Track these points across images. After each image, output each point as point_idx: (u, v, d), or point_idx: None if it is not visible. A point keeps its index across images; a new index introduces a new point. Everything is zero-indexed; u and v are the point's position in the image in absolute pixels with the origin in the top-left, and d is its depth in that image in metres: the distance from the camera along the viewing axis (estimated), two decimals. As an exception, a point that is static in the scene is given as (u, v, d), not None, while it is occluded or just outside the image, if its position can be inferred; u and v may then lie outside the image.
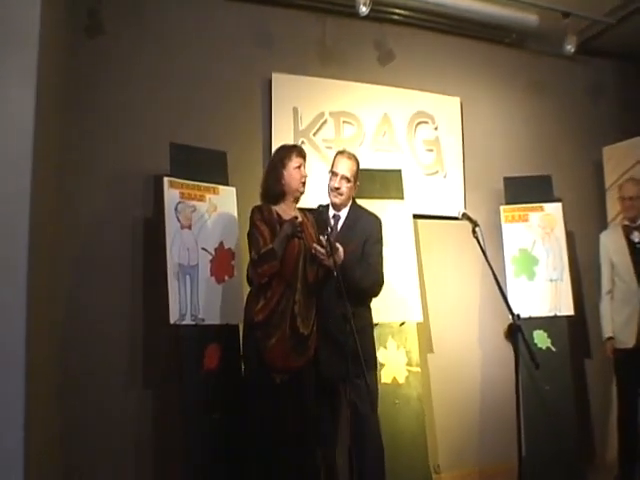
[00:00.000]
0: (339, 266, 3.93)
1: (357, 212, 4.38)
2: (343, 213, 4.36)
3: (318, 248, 4.03)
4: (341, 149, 4.52)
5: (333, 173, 4.33)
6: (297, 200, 4.31)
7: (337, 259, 3.97)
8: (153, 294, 4.83)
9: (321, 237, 4.04)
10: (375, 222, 4.36)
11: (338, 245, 4.06)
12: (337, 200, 4.30)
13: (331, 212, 4.38)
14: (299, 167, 4.21)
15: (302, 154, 4.25)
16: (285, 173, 4.18)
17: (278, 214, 4.16)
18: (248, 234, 4.15)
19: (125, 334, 4.83)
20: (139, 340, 4.85)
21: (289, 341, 4.00)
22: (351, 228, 4.31)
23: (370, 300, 4.34)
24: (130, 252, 4.92)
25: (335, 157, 4.41)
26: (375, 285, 4.26)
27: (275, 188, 4.18)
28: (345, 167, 4.33)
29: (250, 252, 4.09)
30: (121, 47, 5.11)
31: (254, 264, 4.04)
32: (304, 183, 4.23)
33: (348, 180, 4.30)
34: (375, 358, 4.36)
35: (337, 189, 4.30)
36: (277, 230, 4.08)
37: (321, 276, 4.16)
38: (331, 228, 4.12)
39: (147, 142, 5.03)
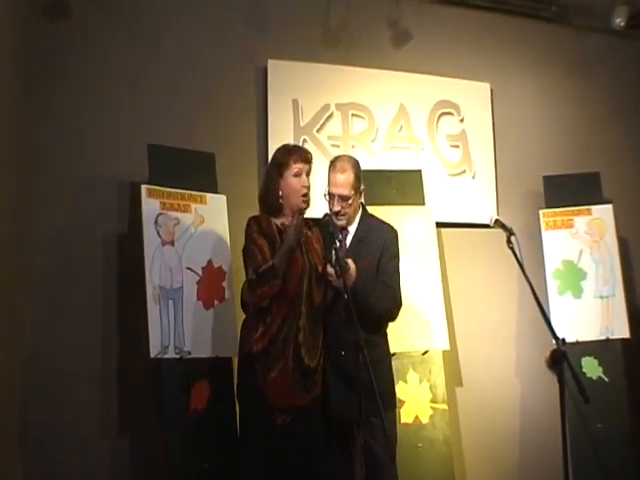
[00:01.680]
0: (350, 288, 3.91)
1: (368, 223, 4.33)
2: (352, 226, 4.32)
3: (328, 268, 4.02)
4: (332, 158, 4.43)
5: (330, 195, 4.28)
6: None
7: (348, 279, 3.94)
8: (129, 323, 4.80)
9: (332, 251, 4.01)
10: (390, 233, 4.32)
11: (349, 261, 4.02)
12: (341, 223, 4.26)
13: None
14: (299, 175, 4.12)
15: (304, 158, 4.14)
16: (282, 183, 4.12)
17: (278, 227, 4.12)
18: (243, 250, 4.10)
19: (97, 371, 4.80)
20: (113, 378, 4.82)
21: (292, 375, 3.96)
22: (362, 242, 4.26)
23: (386, 326, 4.31)
24: (102, 274, 4.89)
25: (328, 173, 4.32)
26: (393, 308, 4.22)
27: (272, 200, 4.14)
28: (339, 184, 4.22)
29: (246, 271, 4.03)
30: (90, 33, 5.09)
31: (252, 285, 3.98)
32: (305, 195, 4.11)
33: (347, 198, 4.24)
34: (394, 395, 4.32)
35: (337, 213, 4.27)
36: (278, 245, 4.03)
37: (330, 298, 4.13)
38: (339, 241, 4.08)
39: (121, 144, 5.02)
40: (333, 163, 4.30)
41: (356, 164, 4.31)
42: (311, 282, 4.08)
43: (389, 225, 4.37)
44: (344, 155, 4.49)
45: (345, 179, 4.21)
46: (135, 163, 4.85)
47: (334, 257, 3.97)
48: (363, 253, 4.19)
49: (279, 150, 4.21)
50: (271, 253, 3.99)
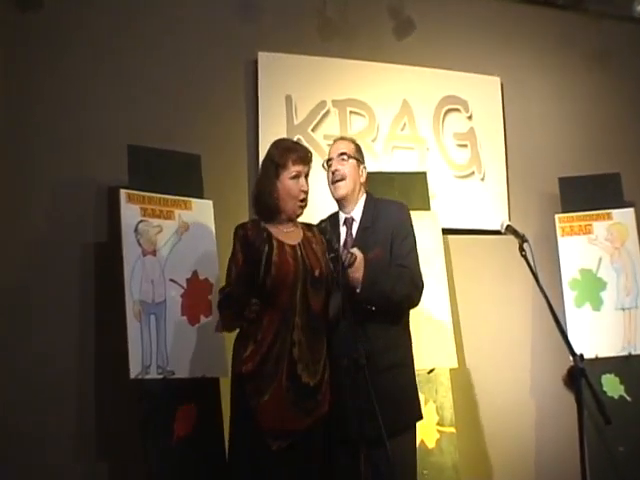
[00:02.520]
0: (359, 282, 3.89)
1: (375, 206, 4.26)
2: (357, 212, 4.27)
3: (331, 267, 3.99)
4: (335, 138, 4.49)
5: (328, 161, 4.27)
6: (292, 220, 4.22)
7: (356, 273, 3.91)
8: (108, 341, 4.79)
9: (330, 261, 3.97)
10: (400, 211, 4.26)
11: (355, 250, 3.96)
12: (341, 192, 4.20)
13: (341, 217, 4.31)
14: (297, 177, 4.09)
15: (304, 158, 4.06)
16: (279, 185, 4.09)
17: (270, 234, 4.08)
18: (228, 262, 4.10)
19: (72, 393, 4.78)
20: (89, 401, 4.80)
21: (288, 395, 3.89)
22: (371, 229, 4.19)
23: (408, 316, 4.25)
24: (77, 287, 4.88)
25: (330, 148, 4.37)
26: (412, 292, 4.13)
27: (267, 203, 4.10)
28: (340, 146, 4.28)
29: None
30: (65, 24, 5.09)
31: (218, 306, 4.03)
32: (303, 201, 4.06)
33: (347, 156, 4.23)
34: (419, 407, 4.22)
35: (336, 172, 4.22)
36: (263, 257, 3.98)
37: (338, 304, 4.07)
38: (335, 250, 4.02)
39: (98, 144, 5.01)
40: (334, 140, 4.41)
41: (356, 142, 4.36)
42: (306, 288, 4.00)
43: (397, 203, 4.33)
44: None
45: (346, 144, 4.28)
46: (113, 166, 4.84)
47: (331, 258, 3.93)
48: (372, 242, 4.12)
49: (276, 147, 4.12)
50: (250, 271, 3.95)
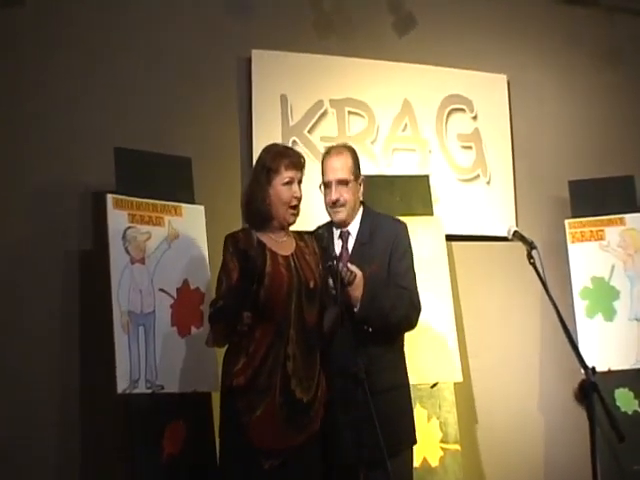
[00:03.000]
0: (359, 300, 3.92)
1: (372, 220, 4.28)
2: (353, 226, 4.28)
3: (330, 282, 3.97)
4: (326, 149, 4.42)
5: (325, 185, 4.26)
6: (284, 229, 4.22)
7: (355, 290, 3.92)
8: (93, 354, 4.78)
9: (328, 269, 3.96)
10: (398, 228, 4.29)
11: (354, 268, 3.97)
12: (341, 216, 4.22)
13: (336, 231, 4.31)
14: (290, 183, 4.09)
15: (297, 163, 4.07)
16: (270, 191, 4.08)
17: (261, 243, 4.07)
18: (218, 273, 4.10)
19: (55, 410, 4.76)
20: (74, 418, 4.79)
21: (281, 411, 3.90)
22: (368, 244, 4.20)
23: (403, 338, 4.28)
24: (61, 297, 4.87)
25: (322, 162, 4.30)
26: (411, 313, 4.18)
27: (258, 209, 4.09)
28: (337, 167, 4.20)
29: None
30: (46, 20, 5.07)
31: (209, 319, 4.02)
32: (295, 207, 4.07)
33: (347, 183, 4.22)
34: (413, 430, 4.24)
35: (336, 202, 4.22)
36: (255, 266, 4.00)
37: (333, 318, 4.07)
38: (336, 258, 4.03)
39: (83, 147, 5.00)
40: (328, 151, 4.31)
41: (352, 150, 4.32)
42: (301, 300, 4.01)
43: (395, 219, 4.37)
44: (338, 143, 4.49)
45: (342, 162, 4.21)
46: (99, 169, 4.84)
47: (331, 276, 3.93)
48: (368, 258, 4.14)
49: (268, 151, 4.13)
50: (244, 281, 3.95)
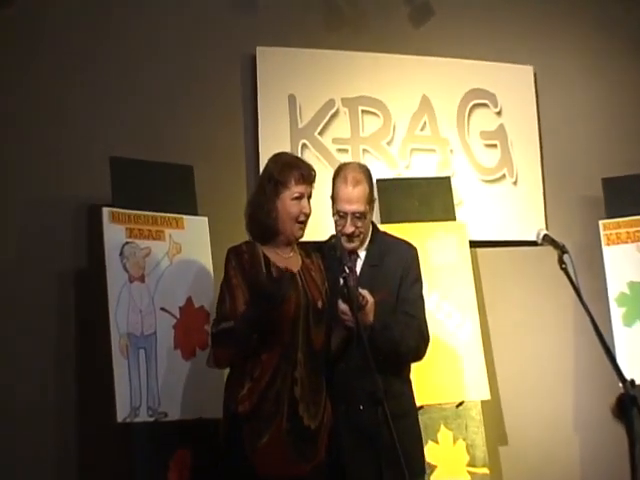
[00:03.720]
0: (369, 326, 3.89)
1: (381, 243, 4.28)
2: (361, 250, 4.29)
3: (342, 306, 3.96)
4: (337, 168, 4.35)
5: (339, 214, 4.23)
6: (291, 244, 4.22)
7: (366, 317, 3.91)
8: (91, 380, 4.79)
9: (342, 282, 3.95)
10: (409, 253, 4.30)
11: (366, 293, 3.97)
12: (354, 245, 4.22)
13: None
14: (299, 198, 4.09)
15: (308, 178, 4.06)
16: (278, 205, 4.07)
17: (267, 258, 4.07)
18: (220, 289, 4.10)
19: (50, 440, 4.77)
20: (71, 449, 4.79)
21: (288, 439, 3.91)
22: (376, 269, 4.22)
23: (410, 368, 4.30)
24: (56, 319, 4.88)
25: (334, 186, 4.25)
26: (420, 343, 4.20)
27: (263, 223, 4.09)
28: (353, 199, 4.14)
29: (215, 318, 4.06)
30: (36, 22, 5.09)
31: (211, 340, 4.03)
32: (303, 223, 4.08)
33: (363, 216, 4.19)
34: (423, 458, 4.29)
35: (351, 235, 4.22)
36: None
37: (339, 341, 4.08)
38: (349, 268, 4.02)
39: (77, 157, 5.02)
40: (341, 173, 4.23)
41: (369, 173, 4.30)
42: (309, 322, 4.02)
43: (406, 242, 4.36)
44: (352, 163, 4.45)
45: (360, 193, 4.16)
46: (94, 181, 4.86)
47: (345, 290, 3.90)
48: (378, 283, 4.14)
49: (275, 162, 4.12)
50: (247, 299, 3.93)
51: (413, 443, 4.14)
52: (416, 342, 4.16)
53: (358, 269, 4.23)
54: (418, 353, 4.22)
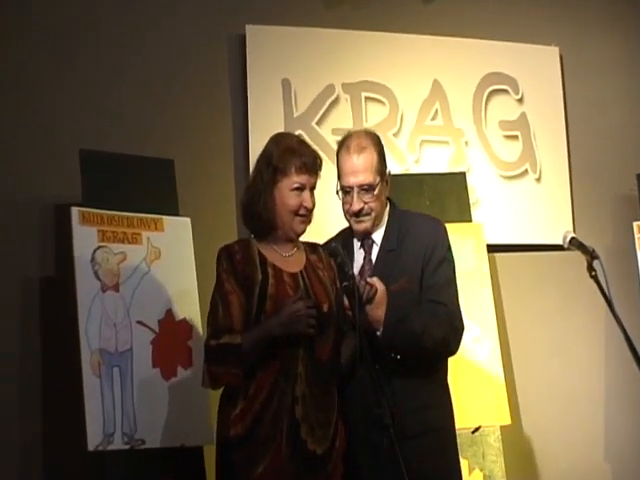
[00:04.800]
0: (381, 322, 3.79)
1: (401, 222, 4.13)
2: (378, 232, 4.21)
3: (346, 302, 3.90)
4: (342, 137, 4.23)
5: (344, 190, 4.19)
6: (292, 240, 4.19)
7: (376, 311, 3.82)
8: (58, 403, 4.78)
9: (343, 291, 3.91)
10: (435, 230, 4.14)
11: (375, 280, 3.89)
12: (365, 225, 4.11)
13: (357, 240, 4.26)
14: (300, 189, 4.08)
15: (310, 166, 3.98)
16: (276, 194, 4.05)
17: (263, 257, 4.05)
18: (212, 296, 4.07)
19: (15, 471, 4.76)
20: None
21: (289, 466, 3.84)
22: (396, 252, 4.10)
23: (446, 366, 4.16)
24: (19, 334, 4.87)
25: (338, 158, 4.15)
26: (450, 336, 4.02)
27: (260, 214, 4.06)
28: (358, 169, 4.03)
29: (207, 328, 3.99)
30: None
31: (206, 355, 3.94)
32: (305, 216, 4.01)
33: (372, 187, 4.14)
34: None
35: (359, 213, 4.16)
36: (256, 288, 3.98)
37: (353, 349, 4.02)
38: (349, 278, 3.98)
39: (42, 151, 5.03)
40: (344, 143, 4.12)
41: (377, 140, 4.16)
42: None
43: (432, 219, 4.26)
44: (357, 131, 4.27)
45: (366, 161, 4.03)
46: (62, 177, 4.88)
47: (348, 294, 3.87)
48: (397, 269, 4.03)
49: (277, 143, 4.04)
50: (243, 305, 3.92)
51: (448, 465, 4.03)
52: (443, 332, 3.96)
53: (373, 257, 4.16)
54: (448, 346, 4.03)
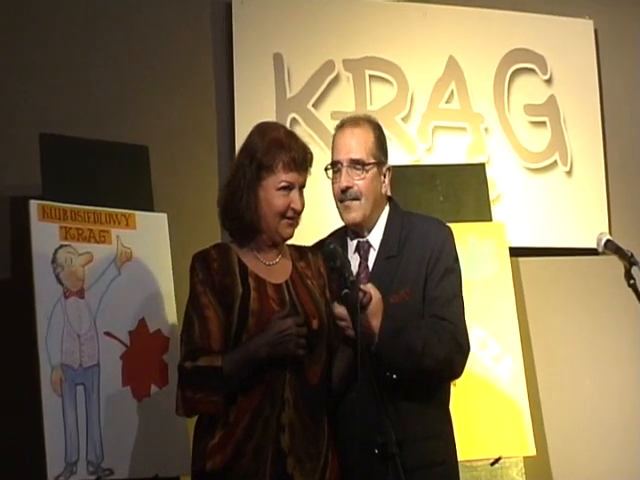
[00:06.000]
0: (375, 335, 3.77)
1: (402, 224, 4.15)
2: (375, 234, 4.20)
3: (338, 309, 3.90)
4: (340, 121, 4.28)
5: (333, 167, 4.21)
6: (277, 245, 4.18)
7: (370, 321, 3.79)
8: (13, 426, 4.80)
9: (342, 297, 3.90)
10: (438, 234, 4.13)
11: (369, 287, 3.88)
12: (354, 215, 4.10)
13: (352, 242, 4.27)
14: (288, 188, 4.08)
15: (300, 163, 3.96)
16: (260, 194, 4.05)
17: (243, 265, 4.05)
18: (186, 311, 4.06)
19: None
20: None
21: (273, 504, 3.91)
22: (394, 260, 4.12)
23: (448, 392, 4.17)
24: (-31, 346, 4.89)
25: (333, 140, 4.22)
26: (454, 356, 4.01)
27: (241, 216, 4.06)
28: (350, 144, 4.10)
29: (180, 347, 4.00)
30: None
31: (181, 379, 3.92)
32: (293, 219, 4.01)
33: (363, 165, 4.17)
34: None
35: (345, 191, 4.17)
36: (236, 303, 3.99)
37: (344, 365, 4.04)
38: (352, 282, 3.97)
39: (-3, 136, 5.05)
40: (340, 124, 4.23)
41: (378, 126, 4.23)
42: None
43: (437, 222, 4.25)
44: (358, 114, 4.36)
45: (359, 137, 4.12)
46: (19, 165, 4.91)
47: (347, 305, 3.86)
48: (397, 280, 4.05)
49: (262, 134, 4.02)
50: (222, 321, 3.92)
51: None
52: (447, 352, 3.95)
53: (370, 263, 4.18)
54: (452, 367, 4.03)
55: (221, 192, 4.05)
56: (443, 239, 4.11)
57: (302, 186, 3.98)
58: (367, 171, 4.06)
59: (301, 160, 3.96)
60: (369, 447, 3.61)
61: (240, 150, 4.08)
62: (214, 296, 3.90)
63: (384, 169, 4.13)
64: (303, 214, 4.01)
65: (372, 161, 4.07)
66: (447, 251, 4.10)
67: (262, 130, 4.06)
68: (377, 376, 3.64)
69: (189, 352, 3.86)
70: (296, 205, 3.94)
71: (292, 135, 4.12)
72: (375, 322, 3.80)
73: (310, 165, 4.00)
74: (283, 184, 3.92)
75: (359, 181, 4.05)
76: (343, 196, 4.07)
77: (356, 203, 4.06)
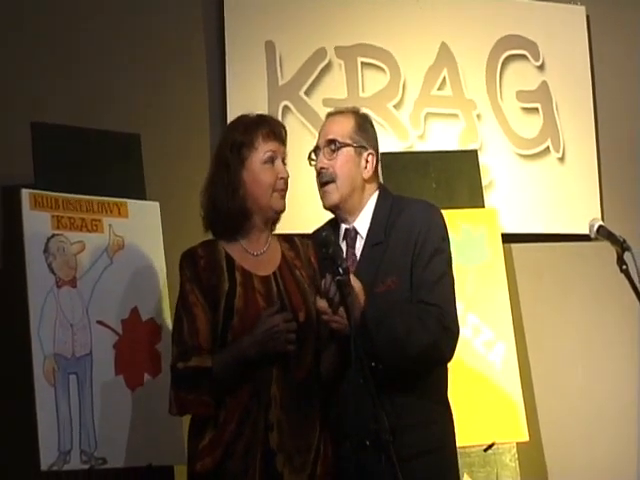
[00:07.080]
0: (357, 323, 3.65)
1: (391, 209, 4.14)
2: (362, 221, 4.17)
3: (320, 303, 3.88)
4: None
5: (315, 152, 4.20)
6: (272, 225, 4.18)
7: (355, 308, 3.72)
8: (6, 416, 4.79)
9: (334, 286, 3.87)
10: (425, 215, 4.08)
11: (352, 280, 3.87)
12: (330, 198, 4.09)
13: (341, 229, 4.24)
14: (271, 160, 4.06)
15: (278, 133, 4.02)
16: (245, 177, 4.04)
17: (230, 259, 4.03)
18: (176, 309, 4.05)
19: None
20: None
21: (263, 502, 3.89)
22: (381, 247, 4.10)
23: (444, 378, 4.11)
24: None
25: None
26: (440, 339, 3.91)
27: (227, 209, 4.05)
28: (331, 129, 4.14)
29: (172, 347, 3.98)
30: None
31: (174, 380, 3.92)
32: (284, 190, 4.02)
33: (337, 145, 4.16)
34: None
35: (321, 171, 4.16)
36: (222, 300, 3.96)
37: (331, 359, 4.03)
38: (343, 269, 3.95)
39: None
40: (327, 115, 4.29)
41: (363, 116, 4.24)
42: (286, 342, 3.99)
43: (425, 204, 4.21)
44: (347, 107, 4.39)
45: (340, 122, 4.16)
46: (11, 154, 4.90)
47: (337, 297, 3.84)
48: (383, 267, 4.00)
49: (235, 127, 4.07)
50: (210, 319, 3.90)
51: None
52: (432, 336, 3.87)
53: (358, 252, 4.16)
54: (440, 352, 3.96)
55: (202, 194, 4.04)
56: (429, 220, 4.06)
57: (284, 157, 4.01)
58: (339, 149, 4.06)
59: (278, 131, 4.01)
60: (362, 436, 3.66)
61: (216, 152, 4.14)
62: (201, 294, 3.90)
63: (365, 153, 4.10)
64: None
65: (347, 142, 4.06)
66: (434, 231, 4.04)
67: (233, 124, 4.16)
68: (369, 365, 3.60)
69: (181, 352, 3.87)
70: (283, 174, 3.97)
71: (264, 114, 4.18)
72: (356, 312, 3.71)
73: (286, 137, 4.06)
74: (268, 154, 3.95)
75: (332, 161, 4.06)
76: (320, 179, 4.08)
77: (332, 186, 4.06)
